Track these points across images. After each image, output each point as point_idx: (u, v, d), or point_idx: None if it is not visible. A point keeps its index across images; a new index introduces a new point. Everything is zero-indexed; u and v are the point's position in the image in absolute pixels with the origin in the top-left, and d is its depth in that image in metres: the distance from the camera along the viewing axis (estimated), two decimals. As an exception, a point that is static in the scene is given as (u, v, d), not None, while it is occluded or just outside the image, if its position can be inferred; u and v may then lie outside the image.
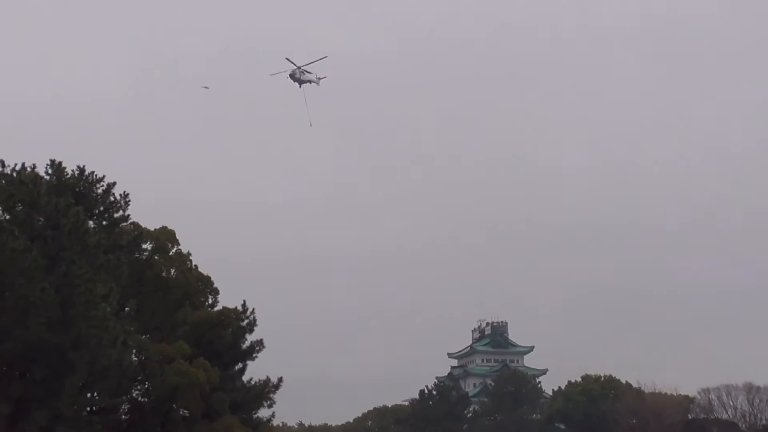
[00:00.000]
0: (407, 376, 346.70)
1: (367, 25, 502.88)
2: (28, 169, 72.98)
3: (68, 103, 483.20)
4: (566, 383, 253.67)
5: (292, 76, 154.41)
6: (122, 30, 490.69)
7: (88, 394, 74.22)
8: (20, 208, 65.56)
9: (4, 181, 72.75)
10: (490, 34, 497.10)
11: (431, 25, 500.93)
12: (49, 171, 77.18)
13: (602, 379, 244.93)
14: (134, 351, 78.01)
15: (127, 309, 75.07)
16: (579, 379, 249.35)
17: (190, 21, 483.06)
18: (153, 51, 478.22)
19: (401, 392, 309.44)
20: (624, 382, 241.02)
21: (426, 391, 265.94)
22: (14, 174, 72.90)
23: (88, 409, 77.52)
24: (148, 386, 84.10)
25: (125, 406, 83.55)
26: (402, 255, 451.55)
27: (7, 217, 65.66)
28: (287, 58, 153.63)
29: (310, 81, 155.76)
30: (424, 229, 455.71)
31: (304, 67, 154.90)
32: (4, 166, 77.13)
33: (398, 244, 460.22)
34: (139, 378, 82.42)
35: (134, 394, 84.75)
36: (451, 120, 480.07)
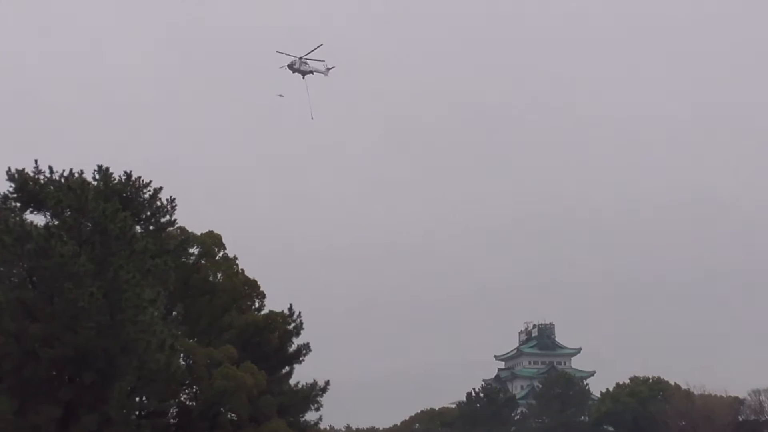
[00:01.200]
0: (454, 379, 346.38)
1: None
2: (76, 175, 73.57)
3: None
4: (614, 385, 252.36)
5: (291, 66, 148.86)
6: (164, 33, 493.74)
7: (137, 398, 74.64)
8: (68, 213, 66.03)
9: (52, 187, 73.38)
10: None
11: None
12: (97, 176, 77.73)
13: (650, 380, 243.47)
14: (182, 355, 78.31)
15: (174, 313, 75.34)
16: (627, 381, 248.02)
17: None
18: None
19: (448, 395, 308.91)
20: (673, 383, 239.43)
21: (473, 394, 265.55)
22: (62, 180, 73.52)
23: (137, 413, 77.92)
24: (196, 390, 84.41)
25: (173, 410, 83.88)
26: (449, 256, 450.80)
27: (56, 222, 66.16)
28: (279, 51, 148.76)
29: (312, 72, 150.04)
30: (472, 230, 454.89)
31: (305, 58, 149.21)
32: (52, 172, 77.82)
33: (445, 245, 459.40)
34: (187, 382, 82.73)
35: (182, 398, 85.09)
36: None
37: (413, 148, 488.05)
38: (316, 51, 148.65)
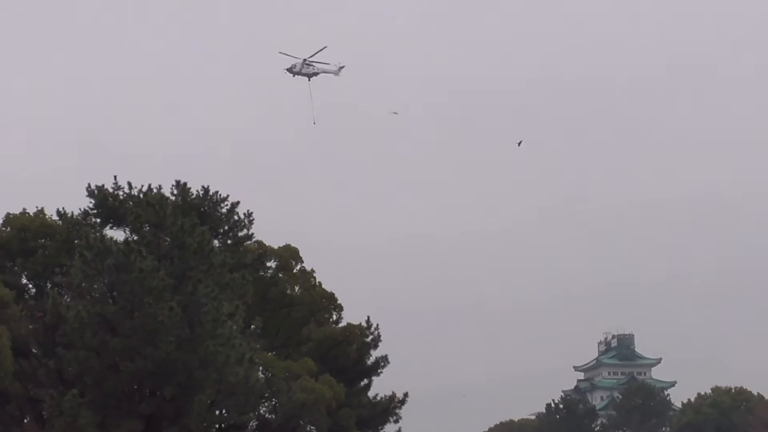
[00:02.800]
0: (533, 390, 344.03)
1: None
2: (154, 191, 74.27)
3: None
4: (695, 395, 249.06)
5: (291, 70, 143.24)
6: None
7: (217, 412, 74.93)
8: (147, 228, 66.60)
9: (131, 203, 74.16)
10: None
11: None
12: (175, 192, 78.42)
13: (733, 390, 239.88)
14: (261, 368, 78.58)
15: (252, 327, 75.67)
16: (709, 391, 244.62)
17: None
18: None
19: (527, 406, 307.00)
20: (756, 393, 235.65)
21: (553, 405, 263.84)
22: (141, 195, 74.27)
23: (217, 426, 78.30)
24: (275, 403, 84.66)
25: (253, 423, 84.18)
26: (527, 267, 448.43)
27: (135, 237, 66.76)
28: (282, 52, 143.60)
29: (318, 73, 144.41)
30: (553, 245, 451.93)
31: (310, 60, 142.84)
32: (131, 187, 78.71)
33: (523, 249, 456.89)
34: (266, 395, 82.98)
35: (261, 411, 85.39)
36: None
37: (472, 150, 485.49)
38: (320, 53, 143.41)
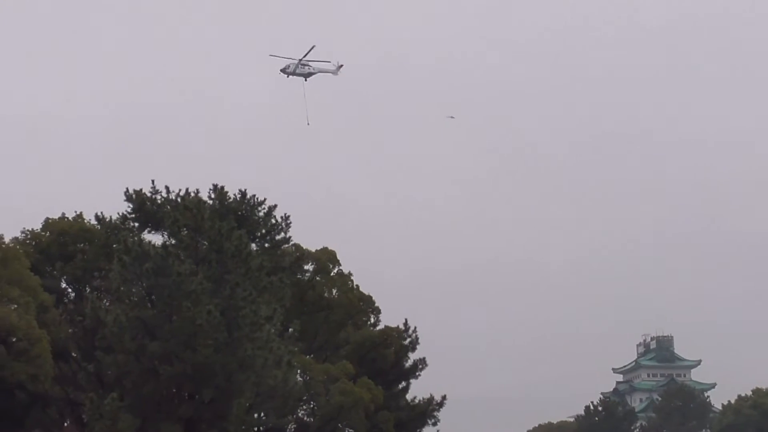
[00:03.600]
0: (572, 392, 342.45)
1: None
2: (192, 195, 74.50)
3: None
4: (736, 397, 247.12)
5: (285, 70, 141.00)
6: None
7: (255, 415, 75.16)
8: (185, 232, 66.81)
9: (169, 207, 74.39)
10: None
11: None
12: (212, 195, 78.64)
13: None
14: (299, 371, 78.72)
15: (290, 330, 75.80)
16: (749, 393, 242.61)
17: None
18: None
19: (566, 409, 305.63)
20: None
21: (592, 407, 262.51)
22: (179, 199, 74.50)
23: (256, 429, 78.54)
24: (314, 406, 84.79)
25: (291, 426, 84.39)
26: (563, 269, 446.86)
27: (173, 241, 66.95)
28: (273, 55, 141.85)
29: (312, 74, 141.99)
30: (586, 243, 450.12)
31: (305, 60, 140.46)
32: (169, 192, 78.96)
33: (559, 257, 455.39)
34: (305, 398, 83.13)
35: (300, 414, 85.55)
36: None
37: (520, 162, 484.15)
38: (310, 53, 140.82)
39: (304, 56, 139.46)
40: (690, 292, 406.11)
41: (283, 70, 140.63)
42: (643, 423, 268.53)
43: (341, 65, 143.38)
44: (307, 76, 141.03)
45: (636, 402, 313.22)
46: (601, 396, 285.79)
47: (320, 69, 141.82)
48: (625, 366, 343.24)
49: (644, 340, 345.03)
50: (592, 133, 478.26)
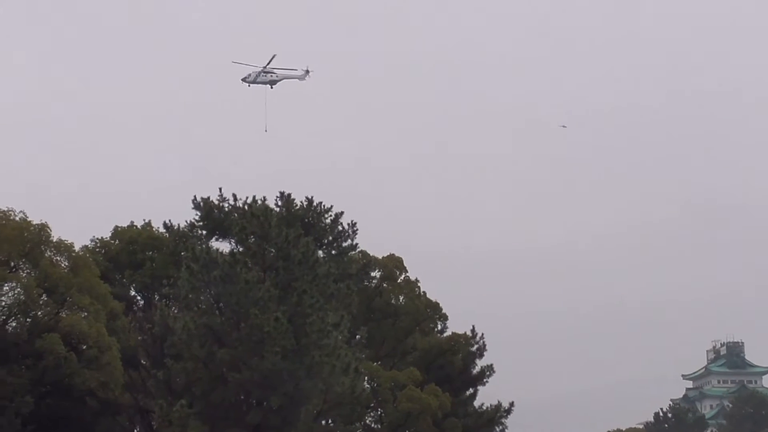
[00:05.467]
0: (641, 399, 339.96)
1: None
2: (259, 202, 74.81)
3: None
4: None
5: (245, 80, 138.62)
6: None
7: (323, 422, 75.20)
8: (252, 240, 67.00)
9: (236, 215, 74.79)
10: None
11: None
12: (279, 203, 78.96)
13: None
14: (366, 378, 78.69)
15: (358, 337, 75.83)
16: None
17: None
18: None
19: (635, 414, 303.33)
20: None
21: (661, 414, 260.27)
22: (246, 207, 74.85)
23: (323, 436, 78.55)
24: (381, 413, 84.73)
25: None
26: (633, 275, 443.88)
27: (240, 249, 67.23)
28: (236, 62, 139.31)
29: (275, 81, 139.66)
30: (662, 256, 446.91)
31: (269, 67, 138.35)
32: (236, 199, 79.49)
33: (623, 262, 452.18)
34: (372, 405, 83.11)
35: (367, 421, 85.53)
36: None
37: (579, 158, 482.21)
38: (273, 61, 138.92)
39: (267, 64, 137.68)
40: (761, 297, 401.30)
41: (245, 79, 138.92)
42: (714, 430, 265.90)
43: (308, 71, 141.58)
44: (271, 83, 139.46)
45: (706, 409, 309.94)
46: (671, 402, 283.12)
47: (286, 75, 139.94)
48: (695, 372, 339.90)
49: (714, 346, 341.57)
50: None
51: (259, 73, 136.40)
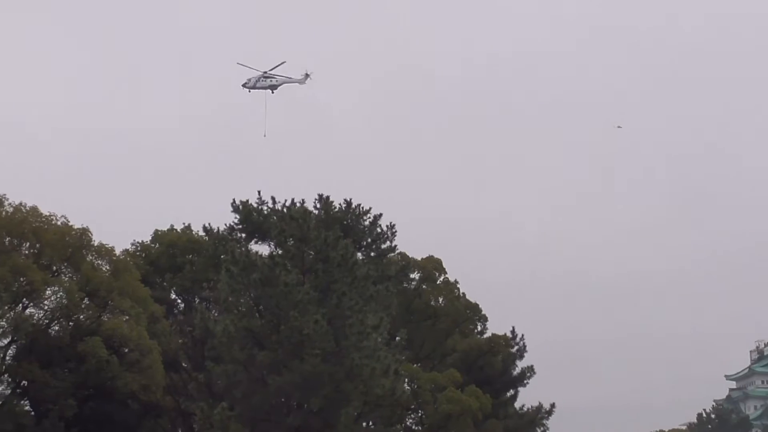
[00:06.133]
0: (683, 400, 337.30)
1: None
2: (298, 205, 74.98)
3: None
4: None
5: (245, 85, 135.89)
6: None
7: (364, 424, 75.29)
8: (291, 242, 67.17)
9: (275, 217, 75.00)
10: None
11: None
12: (318, 205, 79.11)
13: None
14: (406, 380, 78.69)
15: (397, 338, 75.95)
16: None
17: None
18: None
19: (678, 416, 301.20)
20: None
21: (704, 415, 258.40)
22: (284, 210, 75.05)
23: (364, 438, 78.58)
24: (422, 414, 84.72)
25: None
26: (674, 274, 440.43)
27: (280, 251, 67.38)
28: (240, 63, 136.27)
29: (275, 86, 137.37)
30: (693, 248, 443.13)
31: (270, 72, 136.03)
32: (275, 202, 79.71)
33: (672, 263, 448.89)
34: (413, 406, 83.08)
35: (408, 423, 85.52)
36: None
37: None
38: (279, 67, 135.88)
39: (272, 69, 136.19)
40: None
41: (245, 85, 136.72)
42: (758, 431, 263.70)
43: (308, 74, 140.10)
44: (272, 88, 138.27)
45: (750, 409, 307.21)
46: (714, 403, 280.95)
47: (286, 80, 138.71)
48: (738, 372, 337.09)
49: (758, 347, 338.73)
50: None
51: (259, 78, 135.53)
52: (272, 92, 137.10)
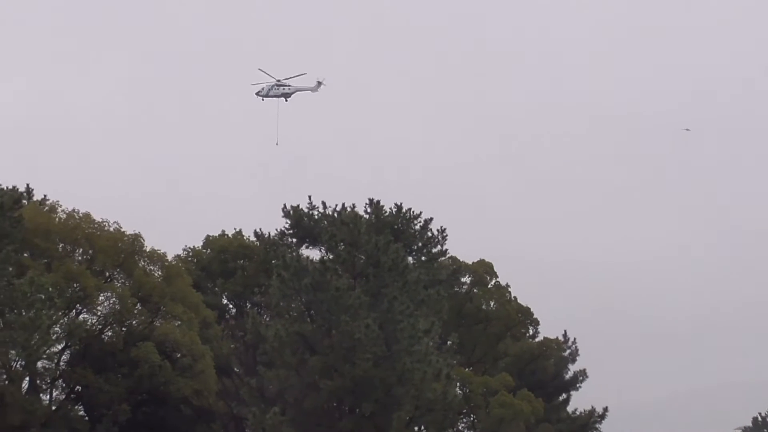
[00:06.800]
0: (738, 403, 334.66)
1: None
2: (348, 209, 75.06)
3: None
4: None
5: (258, 93, 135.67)
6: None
7: (415, 428, 75.21)
8: (342, 247, 67.24)
9: (326, 222, 75.16)
10: None
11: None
12: (368, 210, 79.16)
13: None
14: (458, 384, 78.51)
15: (448, 343, 75.80)
16: None
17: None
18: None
19: (733, 419, 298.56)
20: None
21: (759, 418, 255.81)
22: (335, 215, 75.18)
23: (416, 442, 78.47)
24: (474, 419, 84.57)
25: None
26: (727, 276, 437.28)
27: (331, 256, 67.49)
28: (261, 69, 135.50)
29: (288, 94, 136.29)
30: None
31: (284, 80, 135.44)
32: (325, 207, 79.91)
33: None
34: (464, 411, 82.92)
35: (460, 427, 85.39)
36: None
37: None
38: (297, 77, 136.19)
39: (289, 78, 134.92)
40: None
41: (258, 93, 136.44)
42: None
43: (320, 82, 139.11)
44: (285, 96, 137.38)
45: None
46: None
47: (298, 88, 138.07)
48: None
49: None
50: None
51: (272, 86, 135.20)
52: (285, 100, 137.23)
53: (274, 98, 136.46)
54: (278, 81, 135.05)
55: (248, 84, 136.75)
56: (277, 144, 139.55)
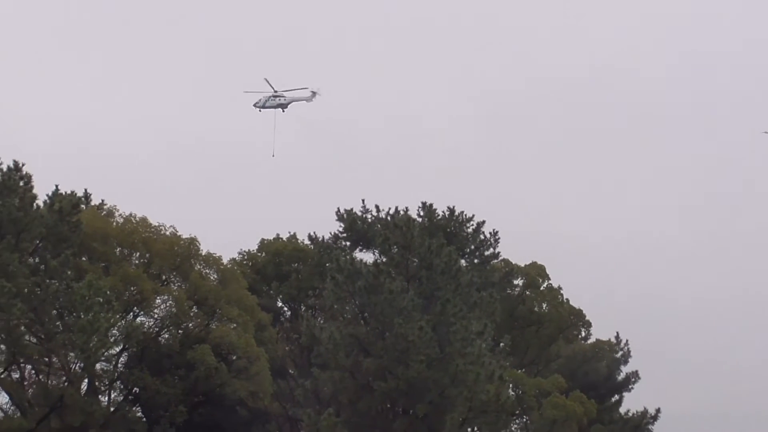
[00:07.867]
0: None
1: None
2: (401, 213, 75.58)
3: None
4: None
5: (256, 105, 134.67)
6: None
7: (469, 429, 75.52)
8: (395, 250, 67.69)
9: (379, 225, 75.72)
10: None
11: None
12: (421, 213, 79.62)
13: None
14: (511, 386, 78.75)
15: (501, 344, 76.19)
16: None
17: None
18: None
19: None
20: None
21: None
22: (388, 218, 75.74)
23: (469, 443, 78.78)
24: (527, 420, 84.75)
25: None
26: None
27: (384, 259, 67.95)
28: (266, 79, 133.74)
29: (284, 105, 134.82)
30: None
31: (282, 91, 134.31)
32: (378, 210, 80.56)
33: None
34: (517, 412, 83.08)
35: (513, 428, 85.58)
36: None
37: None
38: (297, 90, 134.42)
39: (289, 90, 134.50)
40: None
41: (255, 104, 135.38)
42: None
43: (315, 93, 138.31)
44: (281, 107, 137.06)
45: None
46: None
47: (294, 98, 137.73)
48: None
49: None
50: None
51: (269, 97, 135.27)
52: (282, 111, 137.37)
53: (271, 109, 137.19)
54: (275, 92, 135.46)
55: (243, 92, 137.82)
56: (273, 155, 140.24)
